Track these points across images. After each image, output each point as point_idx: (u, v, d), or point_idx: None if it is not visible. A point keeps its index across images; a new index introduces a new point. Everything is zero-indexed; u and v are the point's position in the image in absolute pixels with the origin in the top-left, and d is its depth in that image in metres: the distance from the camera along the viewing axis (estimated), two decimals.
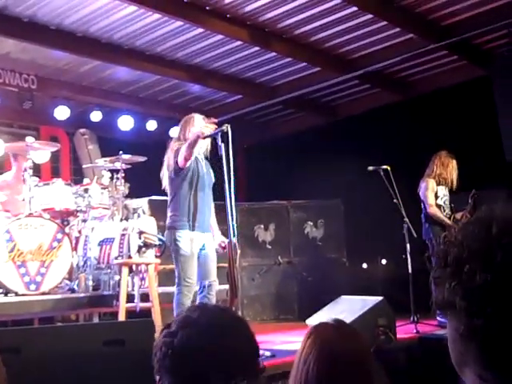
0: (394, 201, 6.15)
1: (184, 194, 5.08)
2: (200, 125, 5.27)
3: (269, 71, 8.34)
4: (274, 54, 7.73)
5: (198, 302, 5.06)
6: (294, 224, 8.24)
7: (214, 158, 5.22)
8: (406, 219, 6.12)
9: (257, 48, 7.54)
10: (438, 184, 6.62)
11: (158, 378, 1.53)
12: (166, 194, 5.60)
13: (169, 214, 5.13)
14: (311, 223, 8.26)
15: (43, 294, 5.56)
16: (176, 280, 5.03)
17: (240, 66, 8.15)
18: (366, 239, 7.61)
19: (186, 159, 4.98)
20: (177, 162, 5.02)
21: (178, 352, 1.48)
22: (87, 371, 3.84)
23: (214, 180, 5.32)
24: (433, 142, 6.82)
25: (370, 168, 6.29)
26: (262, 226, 8.15)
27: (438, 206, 6.55)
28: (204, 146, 5.30)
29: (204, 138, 5.24)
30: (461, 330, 0.98)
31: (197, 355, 1.47)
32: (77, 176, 7.94)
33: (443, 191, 6.63)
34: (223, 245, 5.27)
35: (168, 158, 5.19)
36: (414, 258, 6.02)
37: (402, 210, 6.15)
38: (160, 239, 5.43)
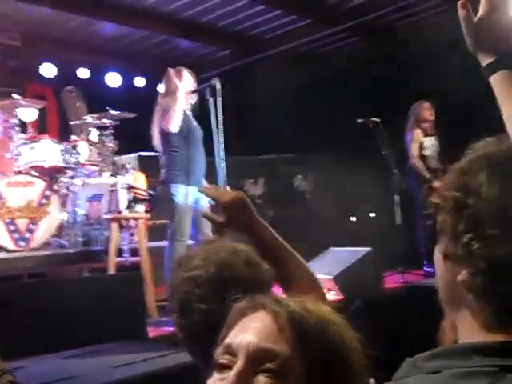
0: (384, 152, 6.14)
1: (178, 148, 5.09)
2: (188, 79, 5.25)
3: (258, 25, 8.24)
4: (263, 6, 7.62)
5: None
6: (284, 178, 8.24)
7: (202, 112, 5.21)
8: (395, 171, 6.12)
9: (245, 1, 7.43)
10: (425, 135, 6.60)
11: (175, 315, 1.55)
12: (155, 150, 5.59)
13: (163, 168, 5.15)
14: (301, 177, 8.26)
15: (33, 250, 5.58)
16: (169, 234, 5.07)
17: (229, 19, 8.06)
18: (354, 192, 7.62)
19: (171, 125, 5.01)
20: (165, 125, 5.03)
21: (208, 281, 1.50)
22: (77, 323, 3.89)
23: (202, 134, 5.32)
24: (423, 93, 6.76)
25: (359, 120, 6.26)
26: (252, 180, 8.15)
27: (424, 157, 6.53)
28: (192, 100, 5.28)
29: (192, 92, 5.23)
30: (465, 277, 1.00)
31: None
32: (64, 134, 7.86)
33: (431, 141, 6.60)
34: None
35: (157, 115, 5.18)
36: (403, 209, 6.05)
37: (391, 161, 6.14)
38: (150, 194, 5.42)
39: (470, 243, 0.99)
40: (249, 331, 0.96)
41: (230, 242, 1.62)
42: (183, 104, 5.10)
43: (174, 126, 5.01)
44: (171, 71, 5.13)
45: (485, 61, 1.29)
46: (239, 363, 0.93)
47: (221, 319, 1.43)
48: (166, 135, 5.11)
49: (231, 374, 0.92)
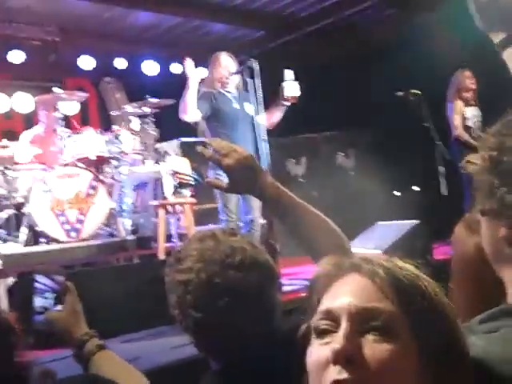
0: (426, 124, 6.07)
1: (217, 133, 5.14)
2: (226, 63, 5.28)
3: (290, 4, 8.18)
4: None
5: None
6: (326, 156, 8.21)
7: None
8: (438, 142, 6.05)
9: None
10: (466, 105, 6.51)
11: (176, 312, 1.53)
12: (195, 135, 5.65)
13: None
14: (342, 154, 8.22)
15: (84, 240, 5.69)
16: (220, 216, 5.17)
17: (261, 0, 8.01)
18: (397, 166, 7.54)
19: (184, 114, 5.07)
20: (180, 116, 5.13)
21: (200, 288, 1.47)
22: (132, 309, 3.97)
23: (250, 116, 5.31)
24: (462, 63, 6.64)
25: (400, 93, 6.20)
26: (294, 160, 8.14)
27: (467, 128, 6.45)
28: (233, 82, 5.30)
29: (231, 74, 5.26)
30: (504, 232, 1.03)
31: (218, 290, 1.45)
32: (105, 124, 7.97)
33: (473, 112, 6.51)
34: None
35: None
36: (448, 180, 5.98)
37: (433, 132, 6.07)
38: (195, 179, 5.48)
39: (504, 196, 1.01)
40: (347, 294, 0.94)
41: (227, 237, 1.53)
42: (195, 92, 5.11)
43: (187, 115, 5.07)
44: (186, 60, 5.17)
45: (496, 38, 1.28)
46: (344, 325, 0.90)
47: (214, 326, 1.44)
48: (204, 121, 5.18)
49: (338, 336, 0.89)
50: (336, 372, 0.87)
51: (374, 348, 0.88)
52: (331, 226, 1.70)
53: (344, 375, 0.86)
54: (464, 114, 6.47)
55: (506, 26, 1.27)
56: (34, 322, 1.72)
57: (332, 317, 0.92)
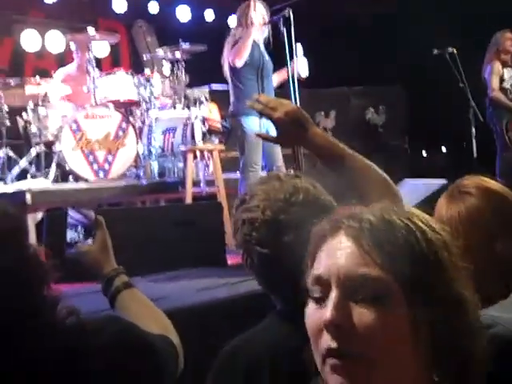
0: (460, 85, 5.98)
1: (249, 80, 5.10)
2: (260, 11, 5.21)
3: None
4: None
5: None
6: (355, 110, 8.15)
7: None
8: (473, 103, 5.97)
9: None
10: (504, 66, 6.43)
11: (242, 251, 1.56)
12: (225, 83, 5.61)
13: (233, 100, 5.17)
14: (372, 110, 8.15)
15: (111, 180, 5.74)
16: (241, 166, 5.15)
17: None
18: (427, 126, 7.46)
19: (239, 59, 5.00)
20: (232, 58, 5.04)
21: (265, 224, 1.50)
22: (158, 251, 4.02)
23: (272, 67, 5.32)
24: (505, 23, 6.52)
25: (436, 51, 6.10)
26: (323, 113, 8.08)
27: (504, 90, 6.38)
28: (265, 33, 5.25)
29: (264, 24, 5.20)
30: None
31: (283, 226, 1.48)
32: (136, 69, 7.94)
33: (510, 73, 6.43)
34: None
35: (227, 47, 5.18)
36: (479, 142, 5.93)
37: (468, 93, 5.99)
38: (224, 126, 5.47)
39: None
40: (335, 258, 0.92)
41: (290, 179, 1.57)
42: (255, 37, 5.08)
43: (241, 60, 5.01)
44: (251, 3, 5.08)
45: None
46: (333, 294, 0.89)
47: (279, 262, 1.46)
48: (235, 68, 5.13)
49: (329, 308, 0.89)
50: (329, 340, 0.88)
51: (362, 315, 0.87)
52: (381, 175, 1.72)
53: (335, 344, 0.87)
54: (502, 76, 6.40)
55: None
56: (66, 253, 1.75)
57: (322, 282, 0.92)
